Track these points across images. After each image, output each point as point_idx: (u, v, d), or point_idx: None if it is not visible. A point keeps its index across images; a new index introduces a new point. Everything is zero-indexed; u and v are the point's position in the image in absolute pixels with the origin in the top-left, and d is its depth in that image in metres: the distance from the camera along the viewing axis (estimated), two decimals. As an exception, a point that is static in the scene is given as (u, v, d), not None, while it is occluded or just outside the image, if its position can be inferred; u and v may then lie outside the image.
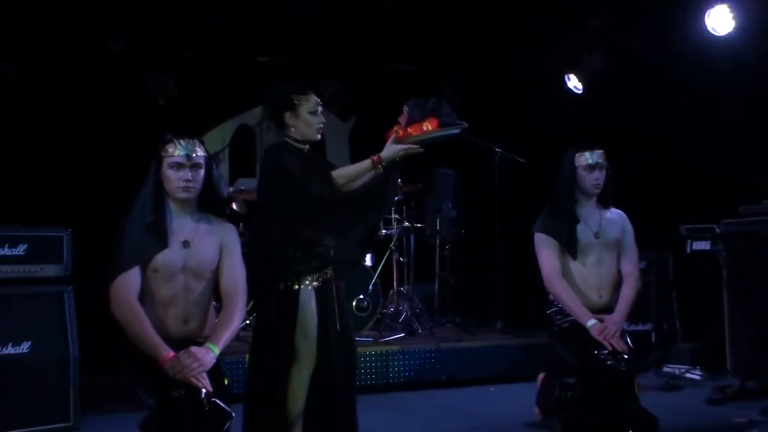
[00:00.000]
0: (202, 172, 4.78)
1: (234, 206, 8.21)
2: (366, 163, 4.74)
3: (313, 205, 4.64)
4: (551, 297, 5.72)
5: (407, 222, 8.97)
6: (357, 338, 6.04)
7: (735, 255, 7.39)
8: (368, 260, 8.75)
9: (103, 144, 9.20)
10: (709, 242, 7.57)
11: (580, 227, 5.67)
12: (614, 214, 5.80)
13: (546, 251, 5.66)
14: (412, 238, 9.09)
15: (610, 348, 5.27)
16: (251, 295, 4.81)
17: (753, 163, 7.84)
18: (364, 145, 7.97)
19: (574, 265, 5.67)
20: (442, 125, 4.69)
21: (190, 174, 4.73)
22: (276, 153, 4.81)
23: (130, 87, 9.54)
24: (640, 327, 8.28)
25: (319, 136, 4.92)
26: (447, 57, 10.38)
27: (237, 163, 10.53)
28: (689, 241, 7.67)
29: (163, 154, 4.74)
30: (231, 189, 8.14)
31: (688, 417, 6.26)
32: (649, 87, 8.96)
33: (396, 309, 8.76)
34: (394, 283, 8.94)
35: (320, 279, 4.85)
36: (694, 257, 7.78)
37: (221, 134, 10.48)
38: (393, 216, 8.85)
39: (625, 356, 5.27)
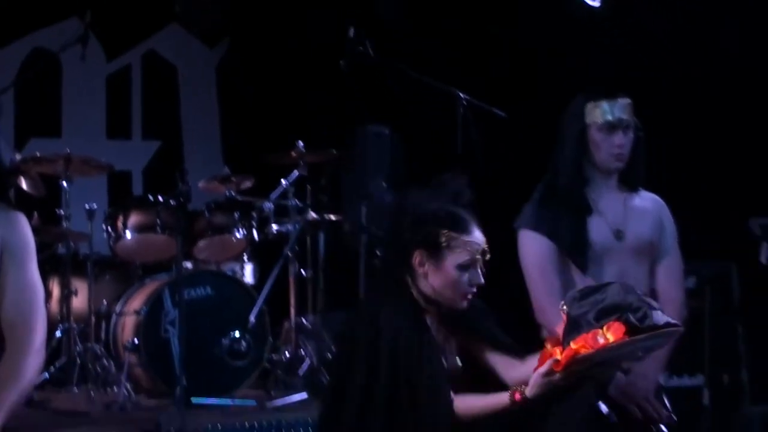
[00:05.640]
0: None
1: (23, 183, 6.55)
2: (502, 400, 3.51)
3: None
4: (545, 335, 4.37)
5: (313, 212, 6.87)
6: (230, 402, 5.80)
7: None
8: (249, 275, 6.96)
9: None
10: None
11: (593, 222, 4.37)
12: (646, 200, 4.52)
13: (537, 261, 4.44)
14: (321, 238, 7.11)
15: (639, 415, 4.15)
16: None
17: None
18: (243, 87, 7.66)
19: (583, 283, 4.18)
20: (633, 332, 3.38)
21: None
22: (381, 336, 3.49)
23: None
24: (685, 381, 6.52)
25: (464, 305, 3.63)
26: None
27: (28, 113, 8.38)
28: (765, 244, 6.06)
29: None
30: (18, 155, 6.69)
31: None
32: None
33: (294, 354, 6.74)
34: (292, 311, 6.76)
35: None
36: None
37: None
38: (290, 202, 6.87)
39: (663, 428, 4.19)
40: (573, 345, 3.41)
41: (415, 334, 3.51)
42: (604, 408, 4.13)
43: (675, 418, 4.28)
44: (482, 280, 3.59)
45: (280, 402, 6.08)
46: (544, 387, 3.41)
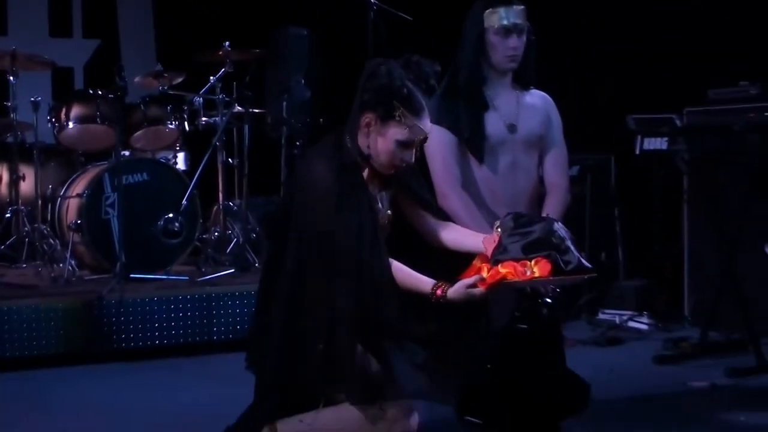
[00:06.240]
0: None
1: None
2: (424, 287, 3.36)
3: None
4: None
5: (239, 106, 6.64)
6: (165, 276, 5.73)
7: (701, 157, 5.79)
8: (181, 162, 6.68)
9: None
10: (666, 139, 5.84)
11: (489, 117, 4.15)
12: (536, 98, 4.29)
13: (439, 151, 4.16)
14: (246, 129, 6.72)
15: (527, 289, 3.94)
16: None
17: (729, 32, 6.18)
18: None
19: (480, 171, 4.15)
20: (557, 272, 3.27)
21: None
22: (326, 190, 3.29)
23: None
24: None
25: (390, 173, 3.47)
26: None
27: None
28: (640, 137, 5.95)
29: None
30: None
31: (629, 381, 4.92)
32: None
33: (222, 234, 6.56)
34: (220, 195, 6.66)
35: None
36: (645, 160, 6.19)
37: None
38: (218, 97, 6.61)
39: (548, 299, 3.94)
40: (501, 269, 3.31)
41: (348, 182, 3.36)
42: None
43: (558, 290, 4.06)
44: (413, 160, 3.46)
45: (209, 277, 5.96)
46: (465, 297, 3.32)
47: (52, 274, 5.63)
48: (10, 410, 4.25)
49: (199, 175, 6.25)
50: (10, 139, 6.11)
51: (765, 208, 5.35)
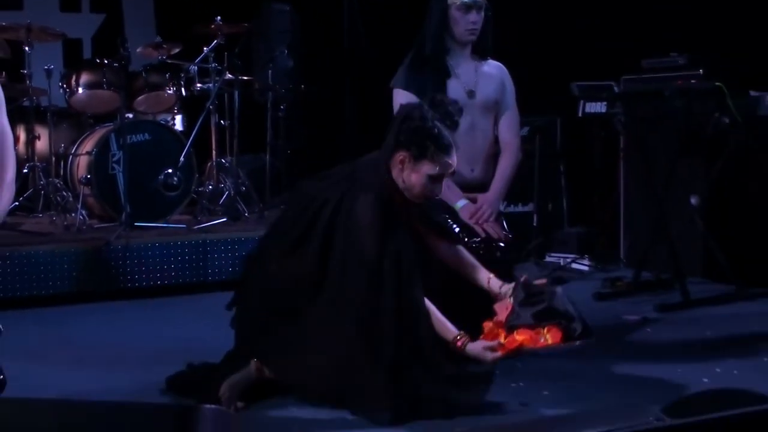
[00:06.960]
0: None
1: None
2: (448, 335, 3.23)
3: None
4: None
5: (229, 73, 6.46)
6: (165, 225, 5.59)
7: (636, 119, 5.48)
8: (179, 123, 6.49)
9: None
10: (605, 103, 5.57)
11: (451, 84, 4.09)
12: (492, 67, 4.23)
13: None
14: (236, 94, 6.60)
15: (483, 234, 3.94)
16: None
17: (661, 8, 5.95)
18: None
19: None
20: (567, 339, 3.13)
21: None
22: (370, 225, 3.22)
23: None
24: (519, 208, 6.51)
25: (420, 202, 3.39)
26: None
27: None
28: (582, 102, 5.70)
29: None
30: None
31: (572, 315, 4.89)
32: None
33: (215, 187, 6.43)
34: (213, 153, 6.51)
35: None
36: (587, 122, 5.97)
37: None
38: (211, 65, 6.42)
39: (501, 244, 3.98)
40: (517, 336, 3.24)
41: (389, 217, 3.31)
42: (456, 228, 3.90)
43: (510, 236, 4.17)
44: (441, 193, 3.45)
45: (204, 225, 5.85)
46: (480, 356, 3.25)
47: (65, 223, 5.55)
48: (31, 342, 4.19)
49: (194, 135, 6.10)
50: (26, 103, 6.00)
51: (690, 164, 5.23)
